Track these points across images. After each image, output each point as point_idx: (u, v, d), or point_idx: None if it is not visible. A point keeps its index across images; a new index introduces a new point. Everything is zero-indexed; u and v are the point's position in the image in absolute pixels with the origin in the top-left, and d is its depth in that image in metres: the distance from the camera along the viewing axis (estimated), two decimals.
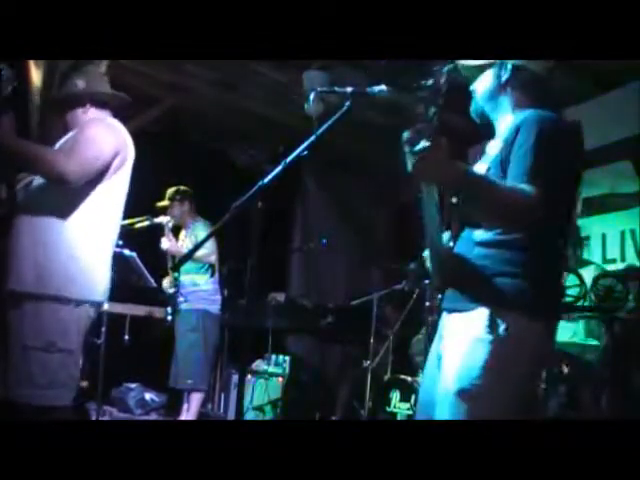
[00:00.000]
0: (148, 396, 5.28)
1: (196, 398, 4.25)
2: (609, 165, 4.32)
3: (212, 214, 4.40)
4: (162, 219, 4.20)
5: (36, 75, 4.49)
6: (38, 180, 2.22)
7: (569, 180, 1.64)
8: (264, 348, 5.14)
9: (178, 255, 4.24)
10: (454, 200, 1.75)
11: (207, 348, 4.33)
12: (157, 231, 4.27)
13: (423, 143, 1.52)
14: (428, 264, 1.84)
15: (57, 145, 2.33)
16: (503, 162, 1.62)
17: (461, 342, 1.60)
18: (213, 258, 4.33)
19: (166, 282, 4.38)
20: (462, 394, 1.54)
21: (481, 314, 1.59)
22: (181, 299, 4.31)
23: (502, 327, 1.55)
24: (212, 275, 4.41)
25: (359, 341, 4.68)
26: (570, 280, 2.86)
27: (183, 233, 4.52)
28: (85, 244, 2.20)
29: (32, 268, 2.11)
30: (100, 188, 2.24)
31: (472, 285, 1.65)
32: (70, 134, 2.35)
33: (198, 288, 4.35)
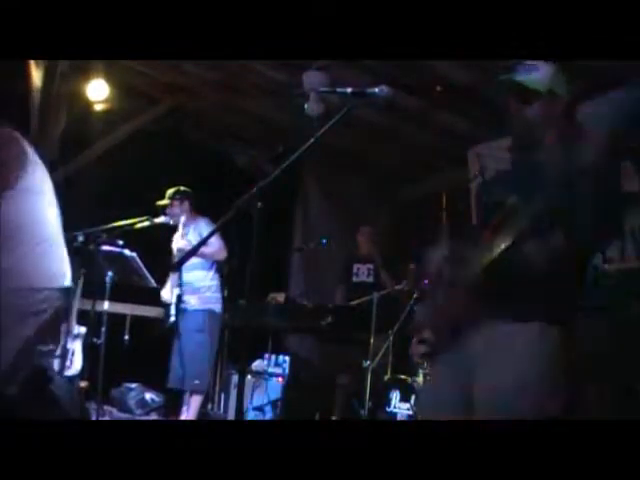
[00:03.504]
0: (148, 396, 5.28)
1: (197, 399, 4.25)
2: None
3: (212, 214, 4.41)
4: (164, 219, 4.19)
5: (36, 75, 4.50)
6: None
7: None
8: (264, 348, 5.14)
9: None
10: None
11: (212, 349, 4.34)
12: (157, 231, 4.26)
13: None
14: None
15: None
16: None
17: (511, 355, 1.57)
18: (222, 255, 4.33)
19: (165, 292, 4.37)
20: (516, 407, 1.52)
21: (531, 326, 1.57)
22: (185, 298, 4.29)
23: (552, 338, 1.56)
24: (219, 272, 4.40)
25: (359, 341, 4.68)
26: None
27: (181, 232, 4.52)
28: (31, 240, 2.22)
29: None
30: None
31: (521, 294, 1.60)
32: None
33: (204, 286, 4.35)
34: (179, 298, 4.24)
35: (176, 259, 4.39)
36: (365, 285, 5.16)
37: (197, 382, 4.18)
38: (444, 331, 1.75)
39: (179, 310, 4.23)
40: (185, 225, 4.46)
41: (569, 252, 1.58)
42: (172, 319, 4.19)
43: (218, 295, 4.43)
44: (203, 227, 4.38)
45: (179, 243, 4.31)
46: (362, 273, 5.28)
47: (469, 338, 1.67)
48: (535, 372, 1.55)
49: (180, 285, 4.28)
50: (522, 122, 1.71)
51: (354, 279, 5.29)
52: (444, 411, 1.68)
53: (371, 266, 5.24)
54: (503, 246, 1.58)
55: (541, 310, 1.59)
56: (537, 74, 1.67)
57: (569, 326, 1.62)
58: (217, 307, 4.39)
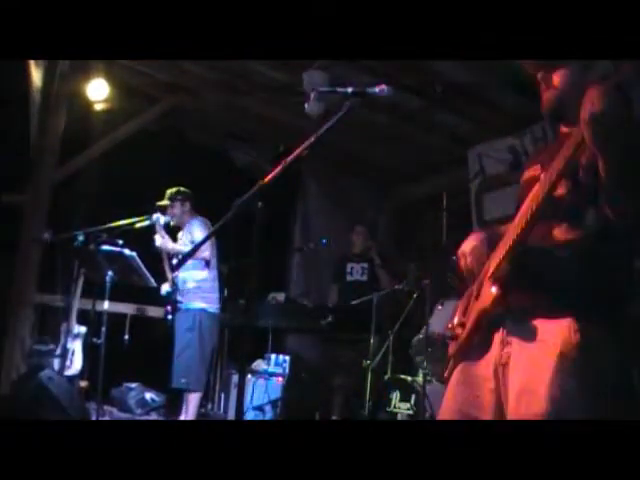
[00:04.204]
0: (148, 396, 5.29)
1: (193, 398, 4.22)
2: None
3: (212, 214, 4.42)
4: (154, 217, 4.21)
5: (36, 75, 4.50)
6: None
7: None
8: (264, 348, 5.15)
9: (172, 252, 4.28)
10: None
11: (203, 347, 4.28)
12: (154, 230, 4.27)
13: None
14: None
15: None
16: None
17: (544, 357, 1.43)
18: (207, 254, 4.30)
19: (165, 287, 4.38)
20: (551, 416, 1.39)
21: (569, 324, 1.43)
22: (179, 298, 4.31)
23: (594, 342, 1.42)
24: (207, 267, 4.39)
25: (359, 341, 4.68)
26: None
27: (181, 232, 4.53)
28: None
29: None
30: None
31: (558, 289, 1.46)
32: None
33: (196, 285, 4.35)
34: (174, 297, 4.25)
35: (165, 259, 4.40)
36: (359, 284, 5.18)
37: (184, 381, 4.15)
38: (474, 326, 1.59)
39: (175, 309, 4.25)
40: (184, 226, 4.46)
41: (606, 234, 1.42)
42: (169, 317, 4.22)
43: (213, 295, 4.41)
44: (196, 227, 4.37)
45: (158, 241, 4.30)
46: (356, 272, 5.31)
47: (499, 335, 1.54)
48: (565, 375, 1.40)
49: (174, 284, 4.30)
50: (551, 94, 1.59)
51: (348, 278, 5.32)
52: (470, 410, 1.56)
53: (365, 265, 5.27)
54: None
55: (576, 306, 1.44)
56: None
57: (610, 325, 1.46)
58: (211, 307, 4.36)
